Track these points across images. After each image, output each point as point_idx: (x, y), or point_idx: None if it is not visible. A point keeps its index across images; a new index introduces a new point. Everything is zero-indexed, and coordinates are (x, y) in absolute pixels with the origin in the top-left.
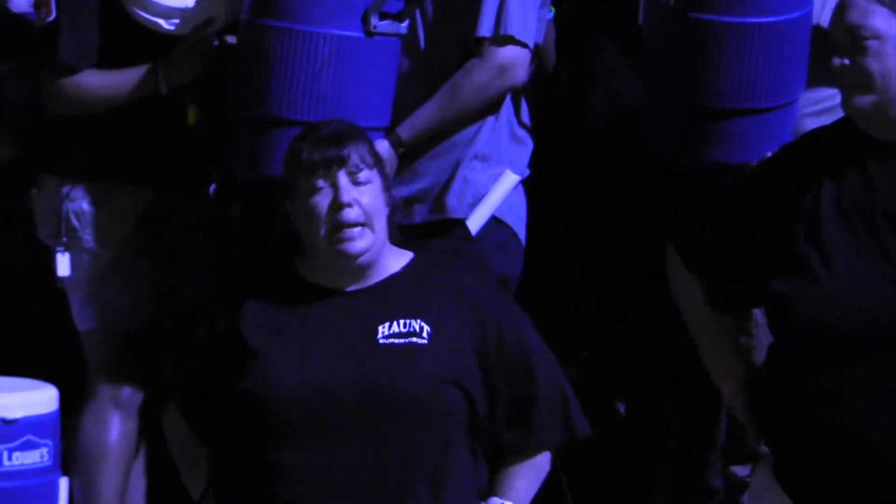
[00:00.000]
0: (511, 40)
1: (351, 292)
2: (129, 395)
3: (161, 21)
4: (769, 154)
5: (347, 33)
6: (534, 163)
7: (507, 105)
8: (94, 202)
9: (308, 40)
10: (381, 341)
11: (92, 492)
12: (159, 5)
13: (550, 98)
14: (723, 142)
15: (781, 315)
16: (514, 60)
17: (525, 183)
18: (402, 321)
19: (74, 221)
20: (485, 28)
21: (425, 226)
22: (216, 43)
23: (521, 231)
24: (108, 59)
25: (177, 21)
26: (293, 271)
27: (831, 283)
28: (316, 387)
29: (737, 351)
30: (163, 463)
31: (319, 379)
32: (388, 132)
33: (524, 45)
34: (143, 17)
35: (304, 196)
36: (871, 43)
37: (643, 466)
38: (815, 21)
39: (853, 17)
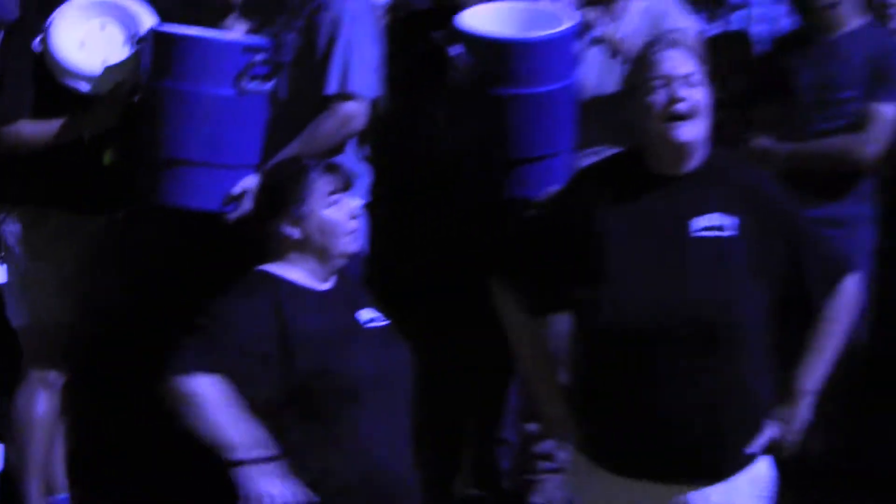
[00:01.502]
0: (354, 96)
1: None
2: (55, 377)
3: (78, 84)
4: (552, 188)
5: (223, 92)
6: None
7: (351, 142)
8: (25, 224)
9: (192, 98)
10: None
11: (23, 456)
12: (75, 73)
13: (381, 134)
14: (529, 181)
15: (587, 318)
16: (356, 112)
17: (365, 209)
18: None
19: (9, 239)
20: (331, 86)
21: None
22: (132, 99)
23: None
24: (41, 110)
25: (90, 86)
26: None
27: (627, 288)
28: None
29: (549, 356)
30: (79, 432)
31: None
32: (258, 169)
33: (364, 99)
34: (64, 80)
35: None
36: (701, 87)
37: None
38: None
39: (689, 63)
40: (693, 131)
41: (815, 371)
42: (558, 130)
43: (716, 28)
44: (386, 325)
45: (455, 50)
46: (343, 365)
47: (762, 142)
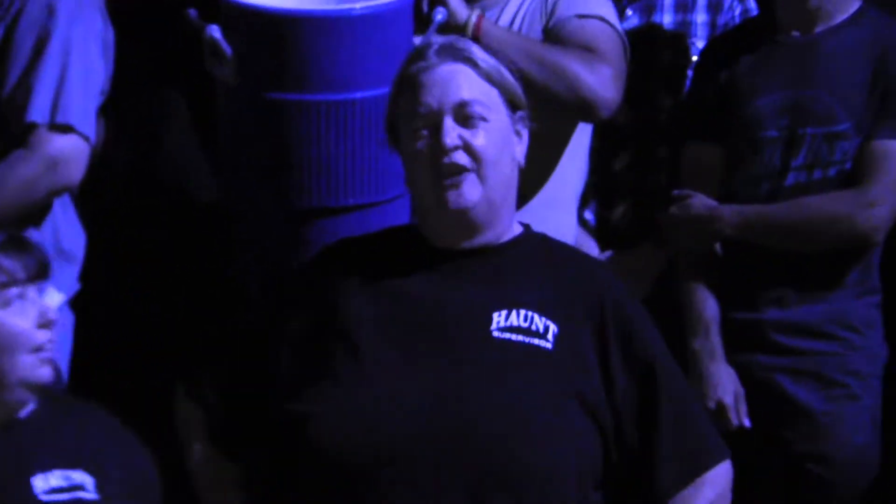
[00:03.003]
0: (69, 130)
1: None
2: None
3: None
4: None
5: None
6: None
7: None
8: None
9: None
10: None
11: None
12: None
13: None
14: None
15: (300, 437)
16: (71, 154)
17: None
18: None
19: None
20: (37, 112)
21: None
22: None
23: (63, 363)
24: None
25: None
26: None
27: (371, 398)
28: None
29: (239, 498)
30: None
31: None
32: None
33: (85, 138)
34: None
35: None
36: (486, 122)
37: None
38: None
39: (465, 88)
40: (472, 194)
41: None
42: (384, 163)
43: (633, 18)
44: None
45: (215, 31)
46: None
47: (700, 200)
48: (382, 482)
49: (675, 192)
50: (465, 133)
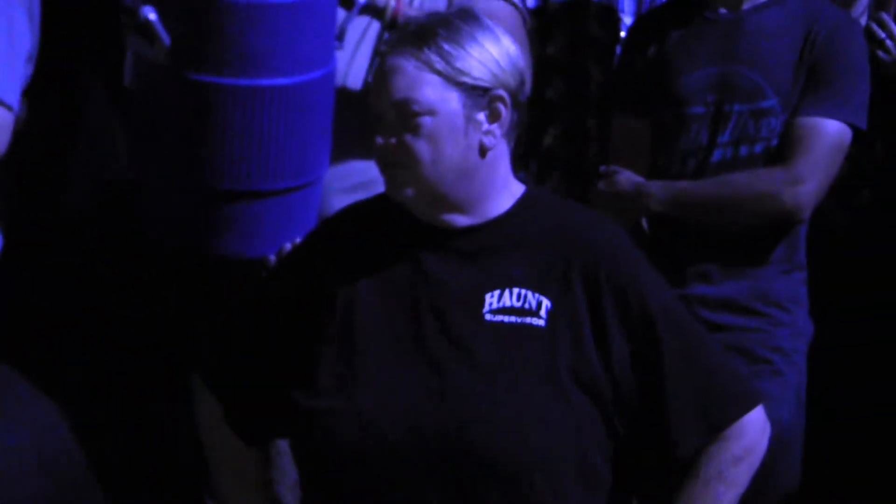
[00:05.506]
0: None
1: None
2: None
3: None
4: (288, 245)
5: None
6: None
7: None
8: None
9: None
10: None
11: None
12: None
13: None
14: (234, 231)
15: (313, 437)
16: None
17: None
18: None
19: None
20: None
21: None
22: None
23: None
24: None
25: None
26: None
27: (368, 397)
28: None
29: (261, 489)
30: None
31: None
32: None
33: (9, 108)
34: None
35: None
36: (424, 120)
37: None
38: (341, 83)
39: (401, 87)
40: (404, 188)
41: None
42: (303, 148)
43: None
44: None
45: (150, 13)
46: None
47: (626, 177)
48: (382, 480)
49: (602, 168)
50: (402, 134)
